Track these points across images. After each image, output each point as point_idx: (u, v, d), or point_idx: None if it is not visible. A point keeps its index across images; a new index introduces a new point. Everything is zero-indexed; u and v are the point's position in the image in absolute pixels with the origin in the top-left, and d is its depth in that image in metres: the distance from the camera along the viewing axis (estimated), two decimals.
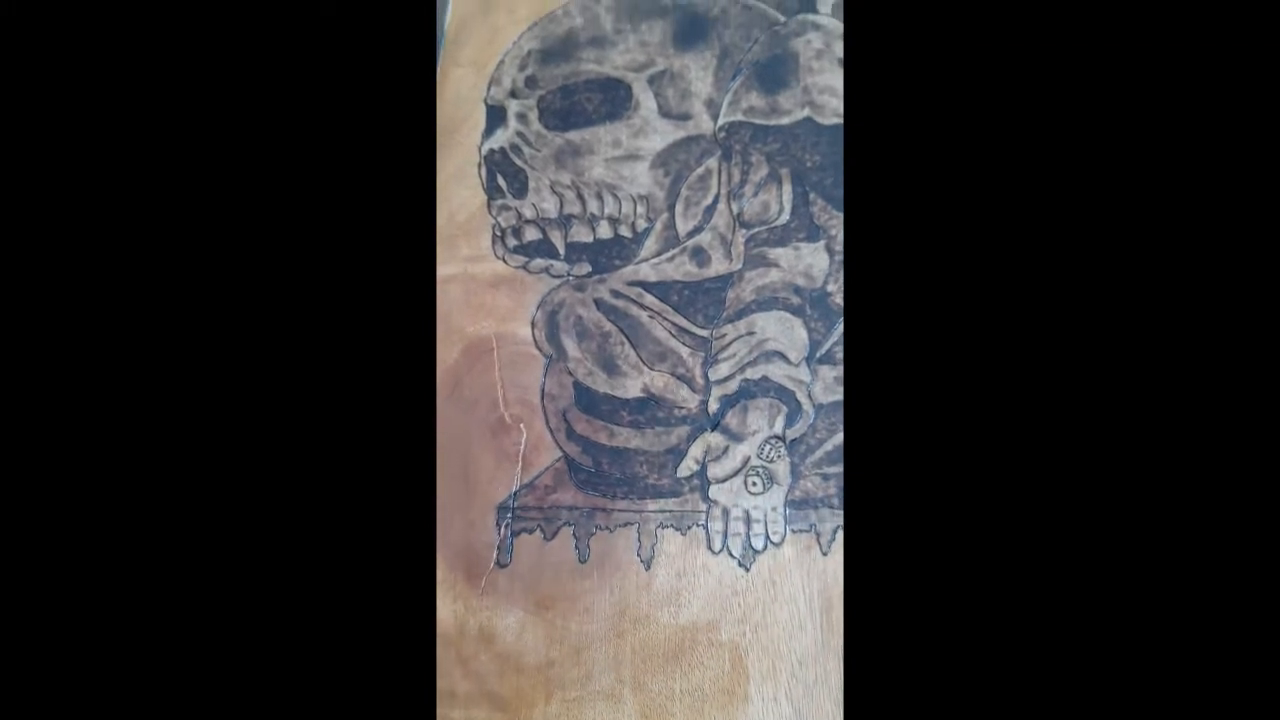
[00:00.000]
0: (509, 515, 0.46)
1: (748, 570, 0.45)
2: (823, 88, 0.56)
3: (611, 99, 0.56)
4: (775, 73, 0.57)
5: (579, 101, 0.55)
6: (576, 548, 0.45)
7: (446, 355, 0.50)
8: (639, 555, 0.46)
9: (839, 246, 0.52)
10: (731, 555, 0.46)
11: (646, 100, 0.56)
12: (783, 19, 0.59)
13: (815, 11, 0.59)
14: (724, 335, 0.50)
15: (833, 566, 0.45)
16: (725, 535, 0.46)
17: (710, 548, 0.46)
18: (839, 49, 0.58)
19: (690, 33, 0.58)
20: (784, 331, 0.50)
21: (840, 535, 0.46)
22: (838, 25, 0.58)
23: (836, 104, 0.56)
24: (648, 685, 0.43)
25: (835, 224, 0.53)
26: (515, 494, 0.47)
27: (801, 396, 0.49)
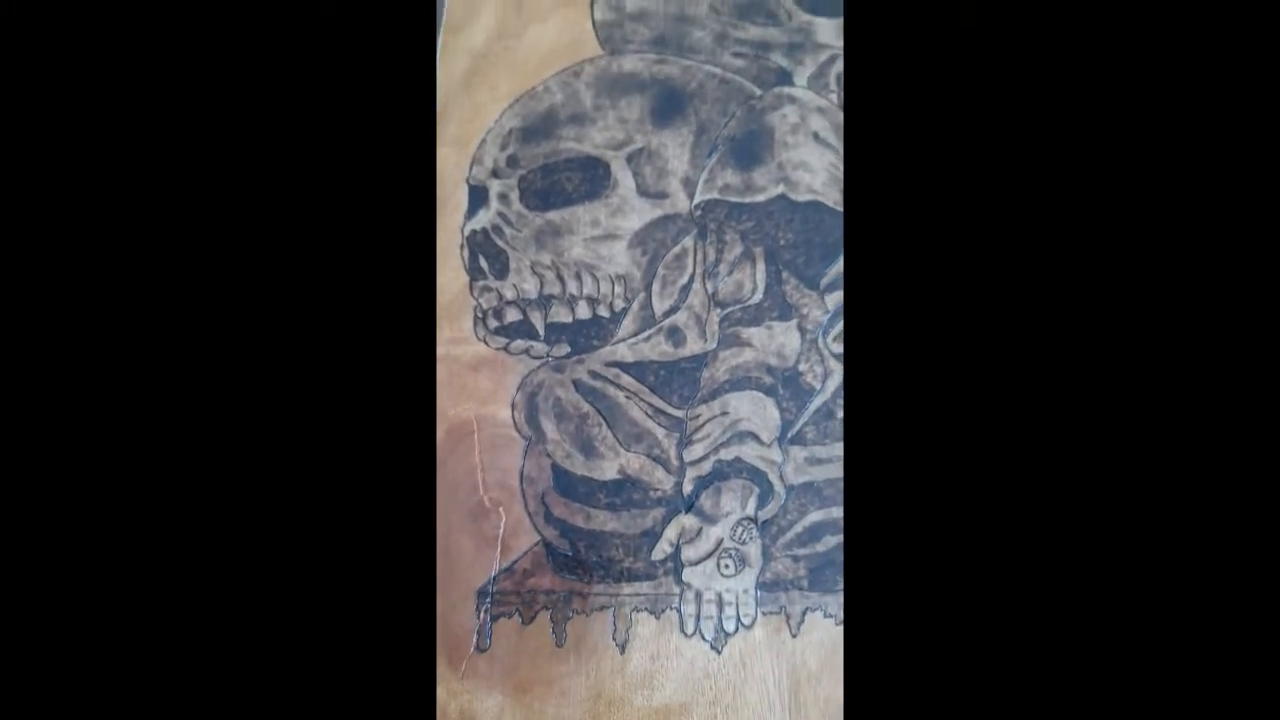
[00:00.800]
0: (488, 600, 0.48)
1: (719, 653, 0.46)
2: (796, 163, 0.57)
3: (591, 178, 0.57)
4: (750, 148, 0.58)
5: (559, 181, 0.56)
6: (554, 631, 0.47)
7: None
8: (614, 639, 0.47)
9: (810, 325, 0.54)
10: (704, 638, 0.47)
11: (625, 179, 0.57)
12: (759, 92, 0.60)
13: (791, 84, 0.60)
14: (698, 416, 0.51)
15: (801, 648, 0.46)
16: (698, 618, 0.47)
17: (683, 630, 0.47)
18: (814, 122, 0.59)
19: (668, 108, 0.59)
20: (756, 412, 0.51)
21: (808, 617, 0.47)
22: (814, 98, 0.59)
23: (810, 179, 0.57)
24: None
25: (807, 303, 0.54)
26: (494, 578, 0.48)
27: (773, 477, 0.50)
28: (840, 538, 0.49)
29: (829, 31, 0.62)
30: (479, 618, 0.47)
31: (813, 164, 0.58)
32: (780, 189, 0.57)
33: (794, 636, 0.47)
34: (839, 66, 0.61)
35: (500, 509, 0.49)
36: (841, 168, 0.58)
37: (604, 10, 0.61)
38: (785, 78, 0.60)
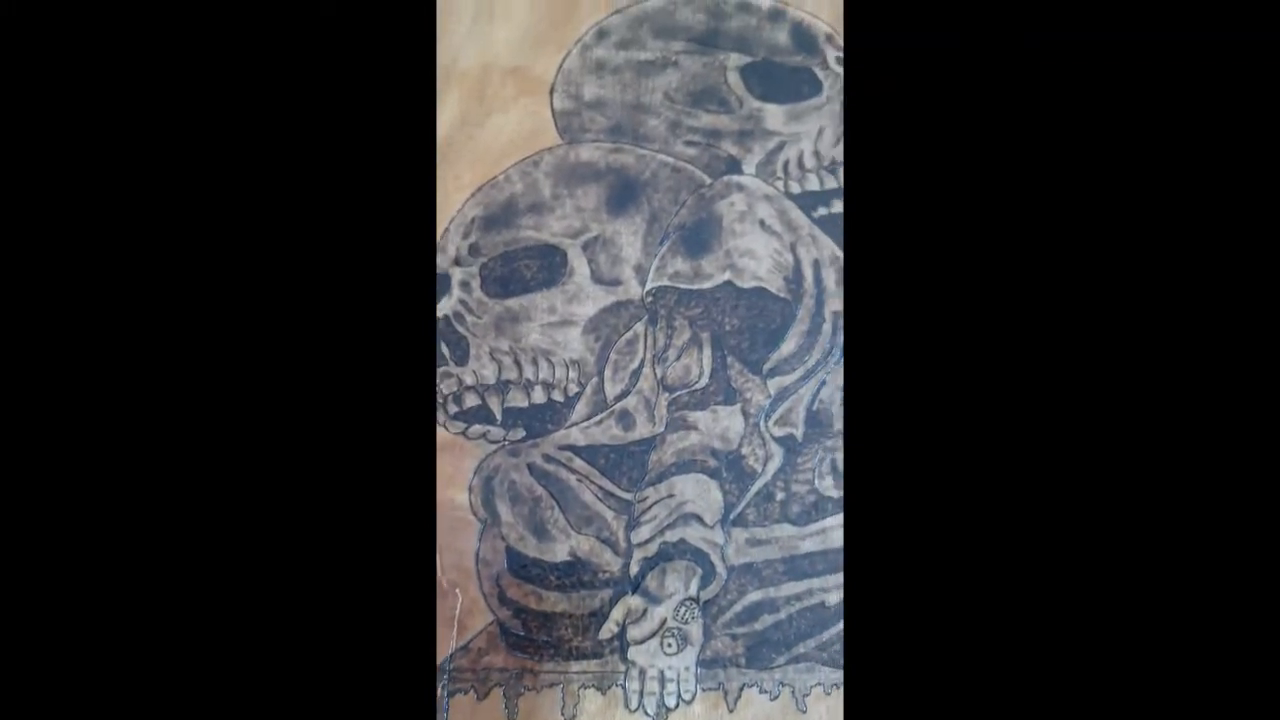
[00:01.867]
0: (445, 677, 0.51)
1: None
2: (743, 250, 0.60)
3: (548, 266, 0.60)
4: (699, 236, 0.61)
5: (518, 268, 0.59)
6: (506, 707, 0.50)
7: None
8: (563, 713, 0.50)
9: (753, 409, 0.56)
10: (646, 713, 0.50)
11: (581, 266, 0.60)
12: (709, 180, 0.63)
13: (740, 172, 0.63)
14: (646, 498, 0.54)
15: None
16: (641, 694, 0.50)
17: (627, 706, 0.50)
18: (761, 210, 0.62)
19: (622, 197, 0.62)
20: (701, 494, 0.54)
21: (745, 693, 0.50)
22: (761, 185, 0.62)
23: (755, 266, 0.60)
24: None
25: (750, 387, 0.57)
26: (451, 656, 0.51)
27: (715, 559, 0.53)
28: (777, 617, 0.52)
29: (778, 119, 0.65)
30: (437, 694, 0.50)
31: (758, 251, 0.60)
32: (727, 275, 0.60)
33: (730, 711, 0.50)
34: (786, 153, 0.64)
35: (456, 590, 0.52)
36: (785, 254, 0.61)
37: (562, 100, 0.64)
38: (734, 166, 0.63)
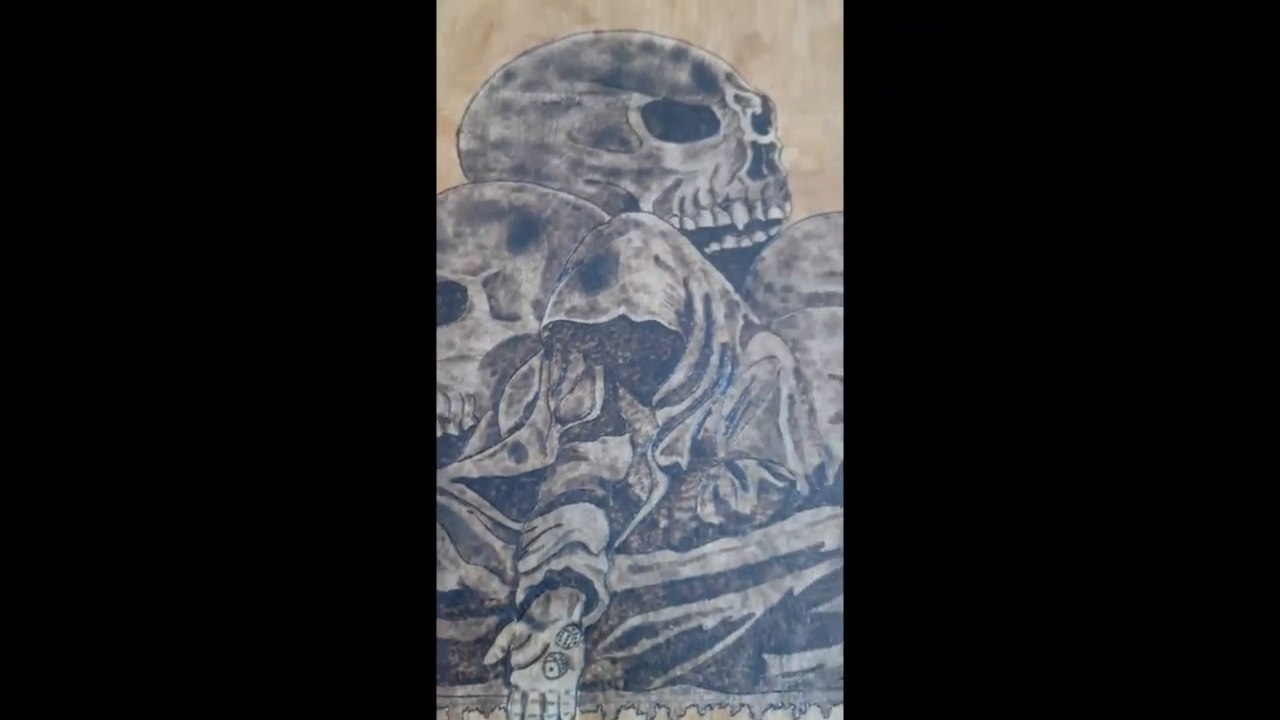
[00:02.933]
0: None
1: None
2: (638, 285, 0.62)
3: (449, 302, 0.62)
4: (597, 272, 0.63)
5: None
6: None
7: None
8: None
9: (641, 440, 0.58)
10: None
11: (480, 303, 0.62)
12: (607, 218, 0.65)
13: (637, 209, 0.65)
14: (534, 528, 0.56)
15: None
16: (523, 716, 0.52)
17: None
18: (656, 246, 0.64)
19: (523, 234, 0.64)
20: (587, 523, 0.56)
21: (622, 714, 0.52)
22: (657, 222, 0.64)
23: (649, 300, 0.62)
24: None
25: (640, 418, 0.59)
26: None
27: (599, 585, 0.55)
28: (655, 641, 0.54)
29: (676, 157, 0.67)
30: None
31: (652, 286, 0.62)
32: (621, 310, 0.62)
33: None
34: (683, 190, 0.66)
35: None
36: (678, 289, 0.63)
37: (468, 140, 0.66)
38: (632, 203, 0.65)
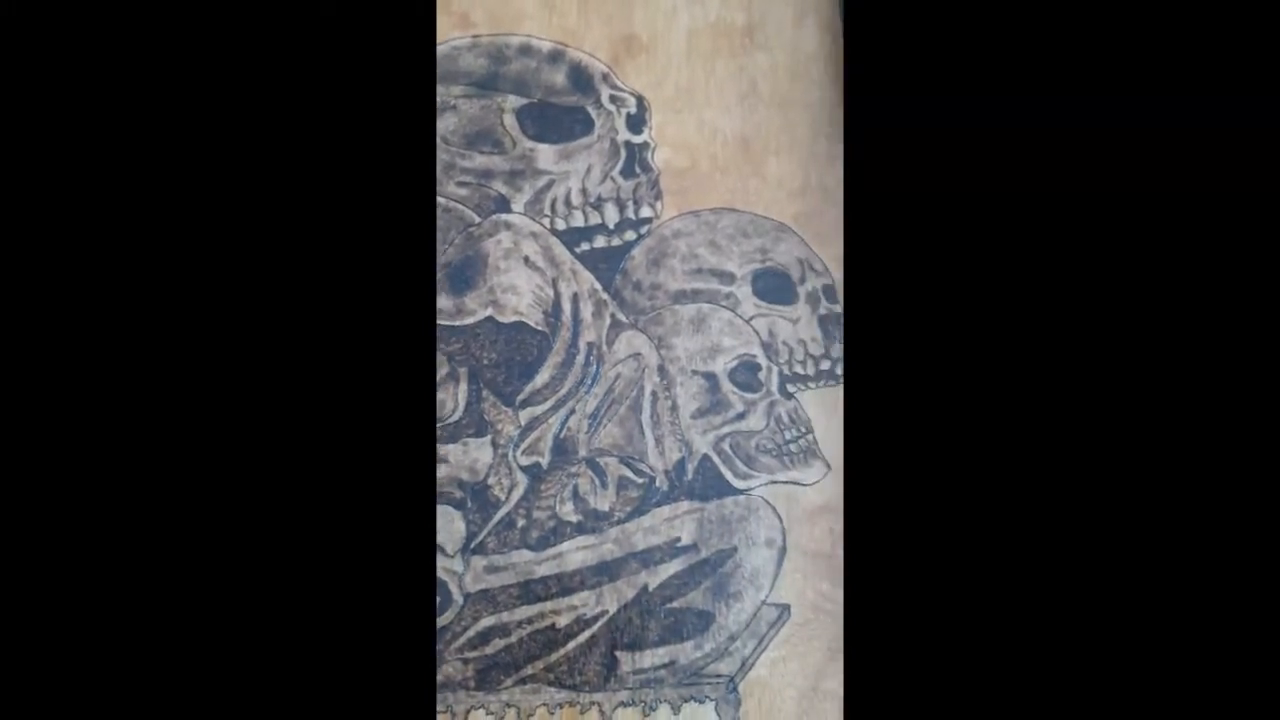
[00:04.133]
0: None
1: None
2: (506, 287, 0.62)
3: None
4: (465, 274, 0.63)
5: None
6: None
7: None
8: None
9: (503, 440, 0.58)
10: None
11: None
12: (478, 219, 0.64)
13: (509, 210, 0.65)
14: None
15: None
16: None
17: None
18: (526, 247, 0.64)
19: None
20: (444, 525, 0.56)
21: (472, 714, 0.52)
22: (528, 223, 0.64)
23: (516, 301, 0.62)
24: None
25: (502, 419, 0.59)
26: None
27: (453, 587, 0.54)
28: (507, 640, 0.54)
29: (549, 158, 0.67)
30: None
31: (520, 287, 0.62)
32: (489, 311, 0.62)
33: None
34: (555, 191, 0.66)
35: None
36: (546, 289, 0.63)
37: None
38: (503, 204, 0.65)
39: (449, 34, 0.71)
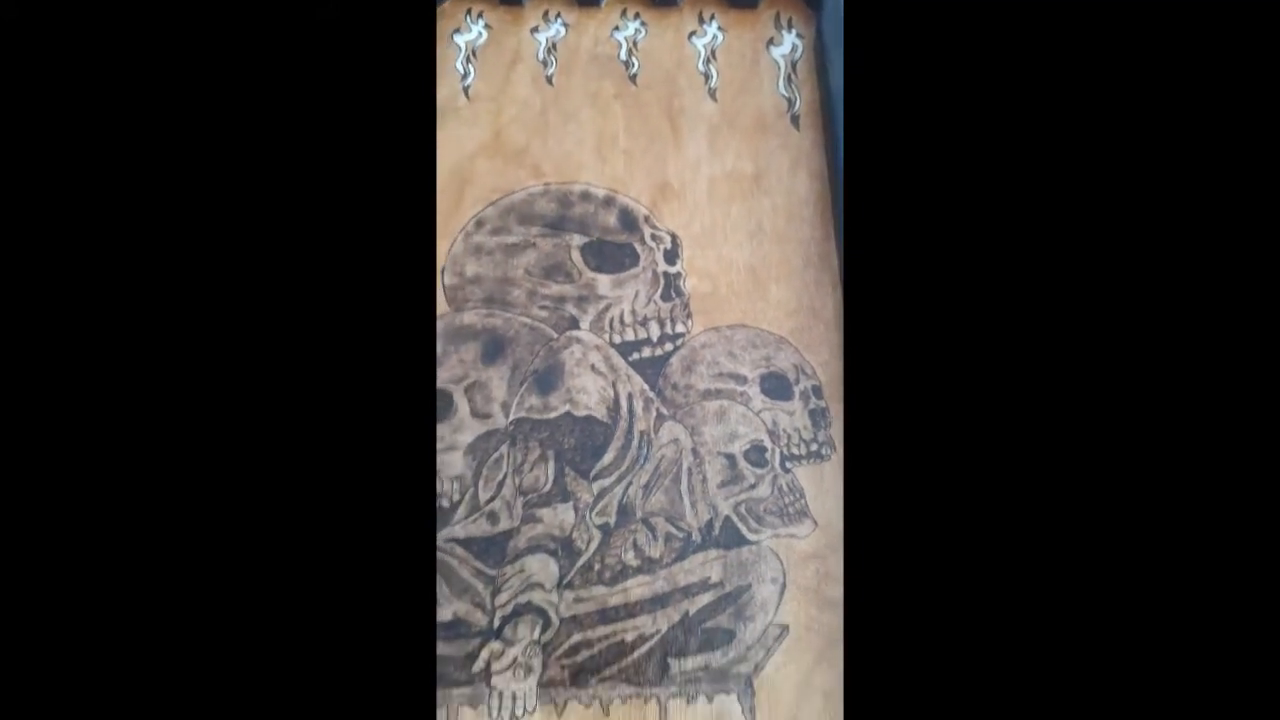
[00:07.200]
0: None
1: None
2: (579, 388, 0.81)
3: (440, 405, 0.81)
4: (548, 379, 0.82)
5: None
6: None
7: None
8: None
9: (581, 505, 0.78)
10: (502, 718, 0.71)
11: (463, 405, 0.81)
12: (556, 335, 0.84)
13: (578, 328, 0.84)
14: (505, 573, 0.75)
15: None
16: (499, 708, 0.71)
17: (491, 715, 0.71)
18: (592, 357, 0.83)
19: (493, 351, 0.83)
20: (543, 568, 0.75)
21: (569, 705, 0.72)
22: (593, 338, 0.83)
23: (586, 399, 0.81)
24: None
25: (579, 489, 0.78)
26: None
27: (552, 613, 0.74)
28: (591, 651, 0.73)
29: (606, 285, 0.86)
30: None
31: (589, 388, 0.82)
32: (567, 407, 0.81)
33: (559, 716, 0.71)
34: (611, 312, 0.85)
35: None
36: (608, 389, 0.82)
37: (451, 277, 0.85)
38: (574, 323, 0.84)
39: (526, 182, 0.90)
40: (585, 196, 0.90)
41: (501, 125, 0.92)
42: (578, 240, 0.87)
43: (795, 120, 0.93)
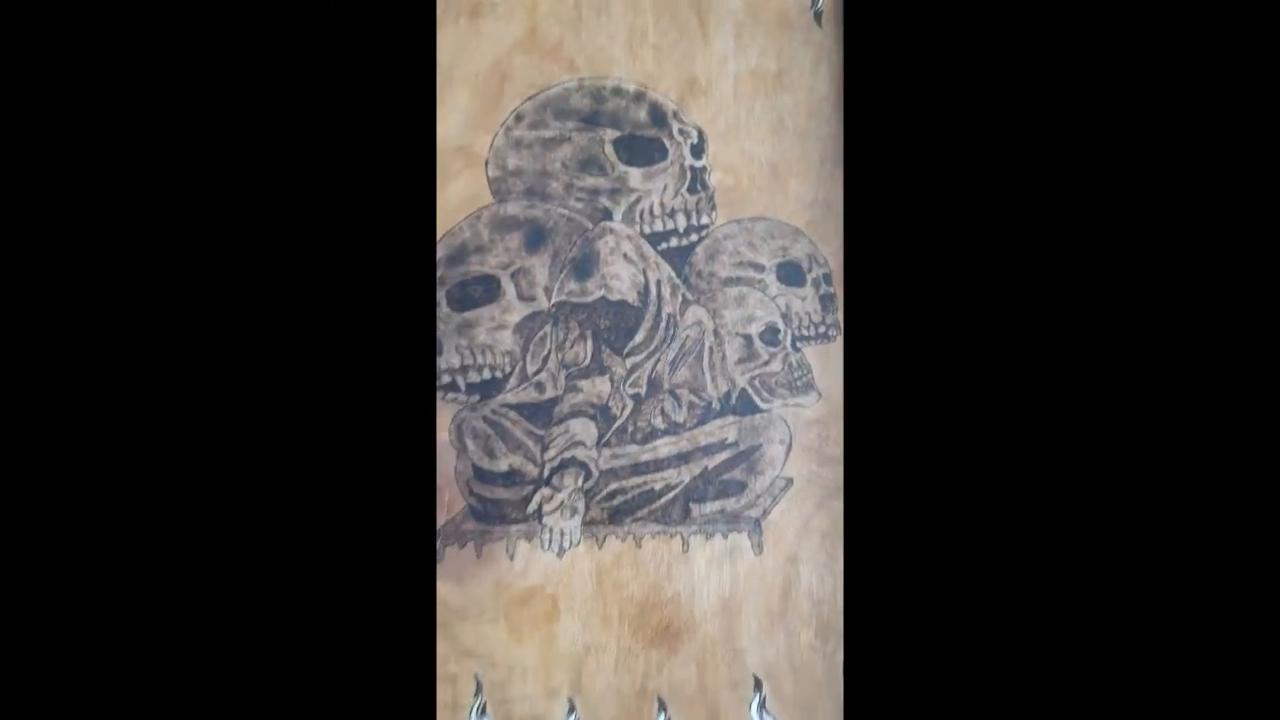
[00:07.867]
0: (440, 536, 0.86)
1: (560, 558, 0.85)
2: (613, 275, 0.90)
3: (489, 289, 0.89)
4: (585, 266, 0.90)
5: (470, 291, 0.89)
6: (475, 550, 0.85)
7: None
8: (508, 553, 0.86)
9: (616, 378, 0.88)
10: (552, 550, 0.86)
11: (510, 289, 0.90)
12: (591, 226, 0.91)
13: (611, 219, 0.92)
14: (552, 433, 0.87)
15: (603, 556, 0.85)
16: (549, 541, 0.86)
17: (543, 547, 0.86)
18: (625, 246, 0.91)
19: (535, 240, 0.91)
20: (584, 430, 0.87)
21: (607, 540, 0.86)
22: (625, 229, 0.91)
23: (620, 285, 0.90)
24: (511, 614, 0.85)
25: (614, 364, 0.89)
26: (443, 526, 0.86)
27: (592, 466, 0.87)
28: (625, 497, 0.87)
29: (637, 179, 0.92)
30: (438, 545, 0.86)
31: (622, 275, 0.90)
32: (602, 293, 0.90)
33: (599, 549, 0.86)
34: (642, 205, 0.92)
35: (445, 489, 0.87)
36: (639, 276, 0.91)
37: (494, 169, 0.91)
38: (608, 215, 0.92)
39: (560, 78, 0.95)
40: (617, 92, 0.94)
41: (536, 21, 0.95)
42: (610, 135, 0.93)
43: (818, 17, 0.96)
